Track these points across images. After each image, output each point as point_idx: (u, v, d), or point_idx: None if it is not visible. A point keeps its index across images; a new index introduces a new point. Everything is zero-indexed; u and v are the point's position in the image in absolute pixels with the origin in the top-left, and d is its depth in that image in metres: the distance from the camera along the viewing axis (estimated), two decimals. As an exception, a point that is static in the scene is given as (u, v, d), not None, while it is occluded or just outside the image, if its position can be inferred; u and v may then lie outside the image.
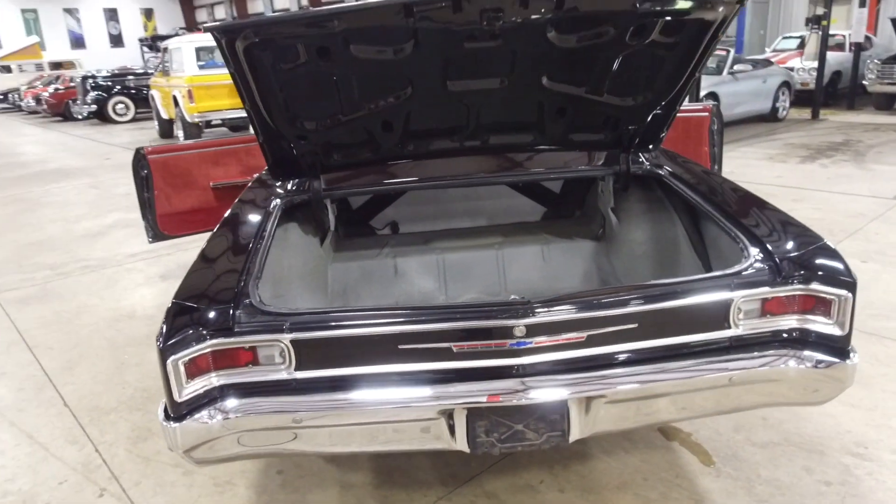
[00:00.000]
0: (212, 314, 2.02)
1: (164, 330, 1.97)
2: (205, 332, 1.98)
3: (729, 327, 2.14)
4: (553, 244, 3.49)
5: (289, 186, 3.02)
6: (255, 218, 2.73)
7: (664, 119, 2.96)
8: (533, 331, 2.01)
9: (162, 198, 4.43)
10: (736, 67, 11.67)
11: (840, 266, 2.13)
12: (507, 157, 3.26)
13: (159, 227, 4.40)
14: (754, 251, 2.23)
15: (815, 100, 13.09)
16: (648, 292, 2.09)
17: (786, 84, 12.73)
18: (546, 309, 2.01)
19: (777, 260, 2.17)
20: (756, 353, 2.14)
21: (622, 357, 2.09)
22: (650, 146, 3.12)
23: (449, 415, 2.05)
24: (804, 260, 2.16)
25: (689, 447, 2.98)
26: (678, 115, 5.51)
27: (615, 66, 2.65)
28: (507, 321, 2.00)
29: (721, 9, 2.38)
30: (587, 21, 2.39)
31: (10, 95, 26.94)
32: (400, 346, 2.02)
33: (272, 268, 2.90)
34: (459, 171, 3.14)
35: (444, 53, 2.45)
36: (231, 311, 2.03)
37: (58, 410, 3.56)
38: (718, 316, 2.13)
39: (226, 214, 2.82)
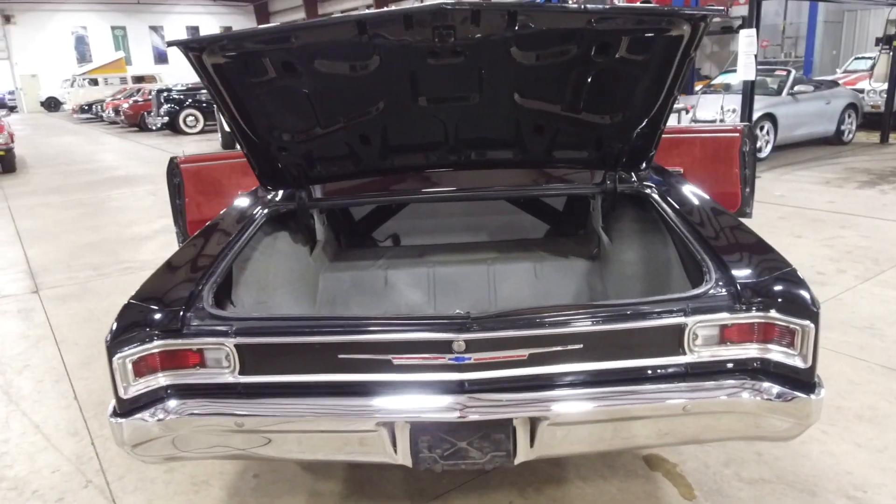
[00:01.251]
0: (161, 315, 2.09)
1: (114, 328, 2.05)
2: (153, 332, 2.05)
3: (684, 353, 2.05)
4: (547, 262, 3.44)
5: (276, 196, 3.10)
6: (233, 226, 2.81)
7: (649, 137, 2.88)
8: (473, 346, 1.99)
9: (192, 205, 4.62)
10: (797, 88, 11.21)
11: (803, 294, 2.02)
12: (497, 173, 3.25)
13: (189, 232, 4.59)
14: (716, 275, 2.14)
15: (885, 123, 12.41)
16: (594, 312, 2.03)
17: (852, 106, 12.12)
18: (486, 325, 1.99)
19: (738, 285, 2.07)
20: (712, 382, 2.05)
21: (567, 378, 2.04)
22: (640, 165, 3.04)
23: (391, 428, 2.05)
24: (766, 287, 2.05)
25: (672, 478, 2.86)
26: (706, 136, 5.43)
27: (587, 83, 2.60)
28: (445, 335, 1.98)
29: (685, 26, 2.31)
30: (547, 38, 2.37)
31: (94, 107, 28.73)
32: (340, 356, 2.03)
33: (257, 275, 2.98)
34: (447, 186, 3.15)
35: (410, 69, 2.47)
36: (181, 314, 2.10)
37: (67, 403, 3.74)
38: (672, 341, 2.05)
39: (209, 222, 2.92)
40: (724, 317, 2.03)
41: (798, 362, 2.00)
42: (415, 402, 2.01)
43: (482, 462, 2.10)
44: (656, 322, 2.02)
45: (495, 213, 3.93)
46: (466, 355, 1.99)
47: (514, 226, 3.95)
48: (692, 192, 2.98)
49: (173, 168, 4.60)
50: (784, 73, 11.47)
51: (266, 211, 2.97)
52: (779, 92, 11.00)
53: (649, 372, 2.06)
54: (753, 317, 2.02)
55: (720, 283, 2.10)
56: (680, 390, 2.03)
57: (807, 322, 1.97)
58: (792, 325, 1.98)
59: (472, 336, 1.98)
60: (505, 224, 3.95)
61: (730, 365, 2.07)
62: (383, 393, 2.03)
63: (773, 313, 1.99)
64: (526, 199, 3.79)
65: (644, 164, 3.04)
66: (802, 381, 2.01)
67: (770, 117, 10.38)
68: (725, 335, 2.06)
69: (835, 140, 11.98)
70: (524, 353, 2.00)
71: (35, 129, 25.67)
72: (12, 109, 34.67)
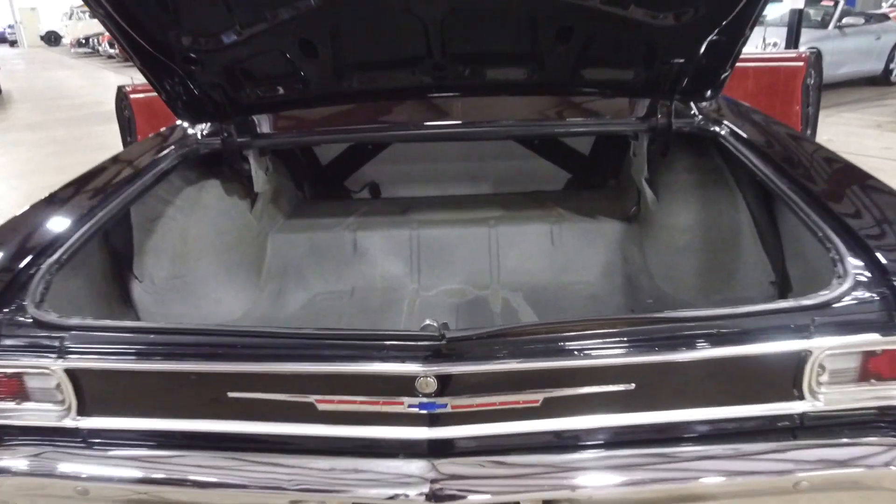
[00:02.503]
0: None
1: None
2: None
3: (799, 397, 1.25)
4: (568, 223, 2.60)
5: (197, 132, 2.26)
6: (125, 172, 1.99)
7: (727, 51, 1.98)
8: (451, 385, 1.19)
9: (145, 141, 3.84)
10: (845, 21, 10.04)
11: None
12: (503, 102, 2.38)
13: None
14: (854, 265, 1.31)
15: (939, 61, 11.19)
16: (654, 330, 1.22)
17: (904, 42, 10.92)
18: (472, 349, 1.18)
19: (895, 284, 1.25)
20: (845, 441, 1.25)
21: (605, 437, 1.24)
22: (706, 92, 2.15)
23: None
24: None
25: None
26: (763, 65, 4.46)
27: None
28: (403, 366, 1.18)
29: None
30: None
31: (91, 40, 27.47)
32: (230, 395, 1.24)
33: (170, 239, 2.18)
34: (434, 120, 2.31)
35: None
36: None
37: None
38: (781, 378, 1.24)
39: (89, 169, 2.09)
40: (873, 339, 1.21)
41: None
42: (353, 471, 1.22)
43: None
44: (759, 348, 1.20)
45: (501, 158, 3.07)
46: (439, 400, 1.19)
47: (526, 174, 3.10)
48: (787, 132, 2.11)
49: (122, 98, 3.76)
50: (831, 3, 10.25)
51: (181, 152, 2.14)
52: (824, 25, 9.87)
53: (738, 426, 1.26)
54: None
55: (863, 280, 1.27)
56: (792, 452, 1.24)
57: None
58: None
59: (448, 368, 1.18)
60: (514, 171, 3.09)
61: (871, 415, 1.27)
62: (302, 454, 1.25)
63: None
64: (542, 138, 2.92)
65: (711, 92, 2.16)
66: None
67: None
68: (870, 368, 1.24)
69: (881, 80, 10.83)
70: (536, 396, 1.20)
71: (29, 64, 24.65)
72: (12, 44, 33.57)
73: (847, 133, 7.59)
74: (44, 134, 10.01)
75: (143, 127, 3.85)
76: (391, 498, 1.18)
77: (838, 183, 1.68)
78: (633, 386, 1.21)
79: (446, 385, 1.18)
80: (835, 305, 1.23)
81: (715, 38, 1.92)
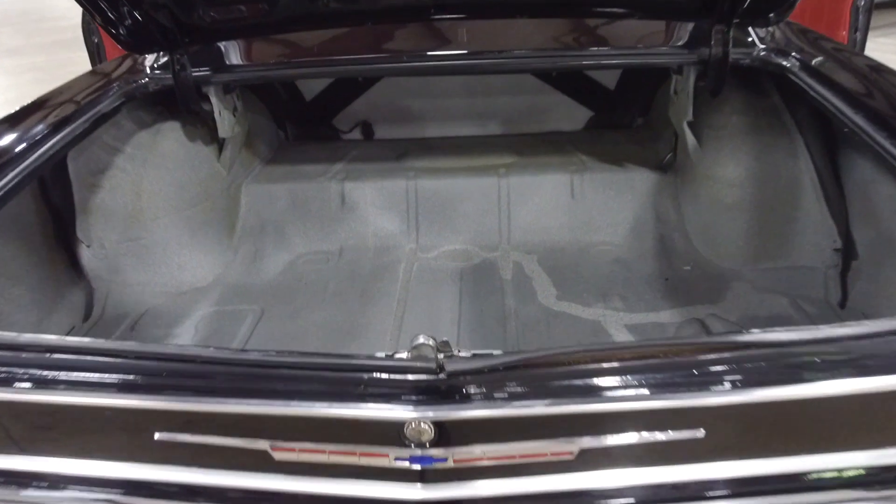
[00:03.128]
0: None
1: None
2: None
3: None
4: (590, 173, 2.22)
5: (147, 66, 1.86)
6: (53, 114, 1.60)
7: None
8: (452, 432, 0.87)
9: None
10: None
11: None
12: (517, 26, 1.97)
13: None
14: None
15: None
16: (737, 359, 0.88)
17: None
18: (483, 385, 0.85)
19: None
20: None
21: (667, 495, 0.93)
22: (771, 14, 1.72)
23: None
24: None
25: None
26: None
27: None
28: (388, 409, 0.86)
29: None
30: None
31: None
32: (157, 436, 0.92)
33: (120, 195, 1.83)
34: (433, 49, 1.91)
35: None
36: None
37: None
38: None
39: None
40: None
41: None
42: None
43: None
44: (862, 383, 0.87)
45: (513, 92, 2.66)
46: (436, 452, 0.87)
47: (541, 111, 2.69)
48: (869, 64, 1.70)
49: (89, 22, 3.32)
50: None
51: (125, 90, 1.75)
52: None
53: (835, 477, 0.94)
54: None
55: None
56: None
57: None
58: None
59: (448, 412, 0.85)
60: (527, 108, 2.68)
61: None
62: None
63: None
64: (565, 72, 2.49)
65: (777, 15, 1.73)
66: None
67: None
68: None
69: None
70: (570, 447, 0.88)
71: (11, -19, 23.45)
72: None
73: (882, 60, 7.01)
74: (24, 60, 9.47)
75: (113, 54, 3.42)
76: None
77: None
78: (701, 433, 0.88)
79: (446, 432, 0.86)
80: None
81: None
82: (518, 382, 0.85)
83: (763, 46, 1.76)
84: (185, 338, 1.76)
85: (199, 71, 1.82)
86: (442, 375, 0.85)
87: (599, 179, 2.22)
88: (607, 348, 0.90)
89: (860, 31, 3.75)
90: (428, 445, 0.86)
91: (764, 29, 1.85)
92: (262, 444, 0.90)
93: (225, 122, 2.02)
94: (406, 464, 0.88)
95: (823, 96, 1.51)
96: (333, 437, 0.89)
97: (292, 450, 0.89)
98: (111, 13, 1.64)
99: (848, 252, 1.76)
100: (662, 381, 0.85)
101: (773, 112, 1.90)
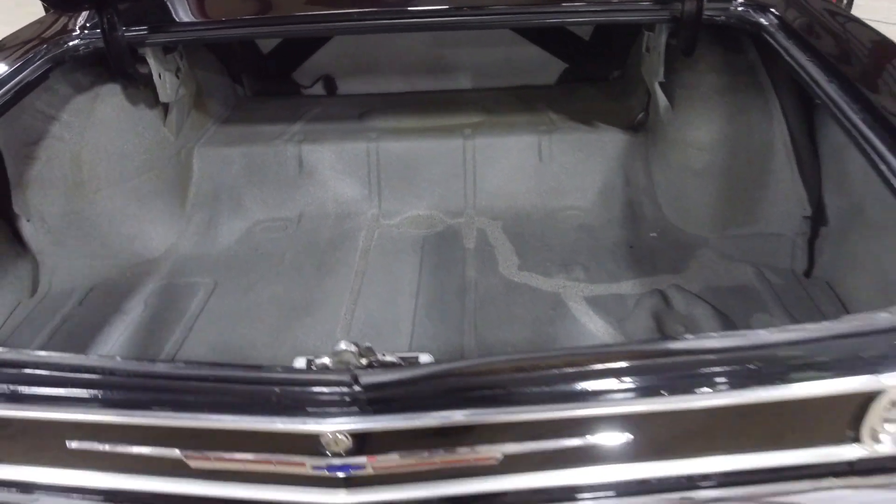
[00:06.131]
0: None
1: None
2: None
3: (854, 440, 0.90)
4: (560, 134, 2.14)
5: (77, 25, 1.75)
6: None
7: None
8: (370, 442, 0.83)
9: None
10: None
11: None
12: None
13: None
14: None
15: None
16: (658, 367, 0.84)
17: None
18: (399, 398, 0.82)
19: None
20: None
21: (590, 494, 0.91)
22: None
23: None
24: None
25: None
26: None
27: None
28: (302, 424, 0.82)
29: None
30: None
31: None
32: (71, 444, 0.89)
33: (59, 166, 1.75)
34: (382, 5, 1.79)
35: None
36: None
37: None
38: (835, 421, 0.89)
39: None
40: None
41: None
42: None
43: None
44: (801, 391, 0.84)
45: (483, 44, 2.54)
46: (354, 461, 0.84)
47: (513, 64, 2.58)
48: (851, 22, 1.61)
49: None
50: None
51: (53, 53, 1.65)
52: None
53: (764, 477, 0.93)
54: None
55: None
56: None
57: None
58: None
59: (364, 424, 0.81)
60: (498, 61, 2.57)
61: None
62: None
63: None
64: (532, 29, 2.38)
65: None
66: None
67: None
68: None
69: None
70: (493, 452, 0.85)
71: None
72: None
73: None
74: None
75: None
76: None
77: None
78: (629, 437, 0.85)
79: (364, 442, 0.82)
80: None
81: None
82: (435, 393, 0.81)
83: (741, 1, 1.66)
84: (134, 314, 1.71)
85: (134, 31, 1.70)
86: (357, 388, 0.81)
87: (569, 140, 2.14)
88: (527, 358, 0.86)
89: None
90: (345, 454, 0.83)
91: None
92: (175, 454, 0.86)
93: (167, 85, 1.91)
94: (324, 472, 0.85)
95: (797, 60, 1.43)
96: (248, 446, 0.85)
97: (206, 458, 0.86)
98: None
99: (817, 219, 1.72)
100: (584, 390, 0.81)
101: (750, 71, 1.81)
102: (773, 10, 1.60)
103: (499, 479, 0.88)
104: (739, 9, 1.64)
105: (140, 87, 1.92)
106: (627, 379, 0.82)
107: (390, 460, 0.84)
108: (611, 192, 2.08)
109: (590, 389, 0.82)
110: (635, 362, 0.83)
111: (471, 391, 0.81)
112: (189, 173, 2.10)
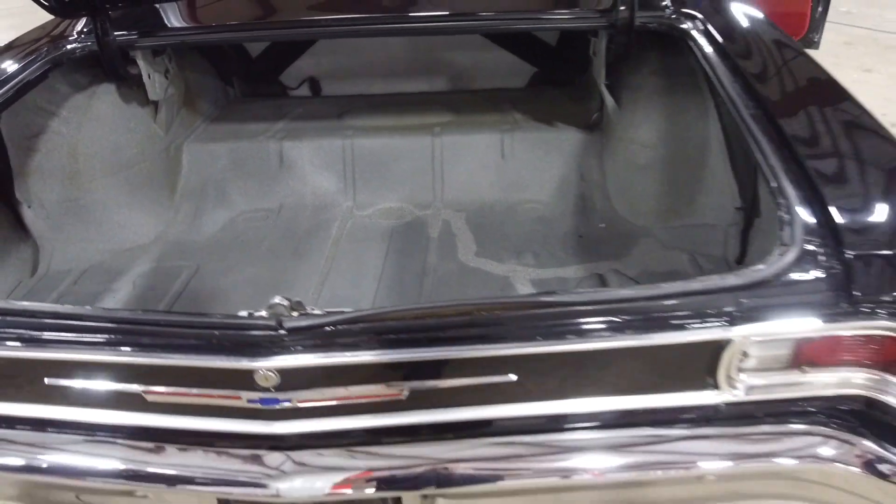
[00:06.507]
0: None
1: None
2: None
3: (714, 387, 1.06)
4: (521, 132, 2.31)
5: (75, 31, 1.93)
6: None
7: None
8: (294, 378, 1.00)
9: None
10: None
11: None
12: None
13: None
14: (804, 232, 1.07)
15: None
16: (534, 317, 1.00)
17: None
18: (317, 339, 0.98)
19: (848, 255, 1.01)
20: (764, 432, 1.08)
21: (481, 428, 1.07)
22: None
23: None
24: None
25: None
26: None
27: None
28: (236, 361, 0.99)
29: None
30: None
31: None
32: (47, 381, 1.06)
33: (57, 158, 1.93)
34: (362, 10, 1.97)
35: None
36: None
37: None
38: (692, 368, 1.05)
39: None
40: (811, 325, 1.00)
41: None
42: (188, 466, 1.07)
43: None
44: (661, 339, 0.99)
45: (457, 49, 2.71)
46: (281, 395, 1.00)
47: (486, 68, 2.75)
48: (774, 35, 1.76)
49: None
50: None
51: (52, 55, 1.83)
52: None
53: (642, 418, 1.08)
54: (873, 326, 0.99)
55: (812, 249, 1.03)
56: (694, 447, 1.07)
57: None
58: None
59: (287, 361, 0.98)
60: (472, 65, 2.74)
61: (804, 403, 1.09)
62: (133, 442, 1.08)
63: None
64: (482, 33, 2.54)
65: None
66: None
67: None
68: (805, 355, 1.04)
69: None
70: (399, 389, 1.01)
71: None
72: None
73: (868, 3, 6.91)
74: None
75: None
76: (233, 484, 1.03)
77: (820, 117, 1.38)
78: (513, 378, 1.01)
79: (289, 378, 0.99)
80: (768, 286, 1.00)
81: None
82: (346, 336, 0.98)
83: (672, 10, 1.82)
84: (122, 293, 1.89)
85: (125, 35, 1.88)
86: (281, 331, 0.97)
87: (530, 139, 2.30)
88: (424, 307, 1.02)
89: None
90: (273, 389, 0.99)
91: None
92: (135, 388, 1.03)
93: (155, 84, 2.09)
94: (257, 405, 1.01)
95: (710, 63, 1.59)
96: (196, 382, 1.02)
97: (161, 393, 1.03)
98: None
99: (752, 211, 1.86)
100: (473, 336, 0.98)
101: (689, 73, 1.96)
102: (699, 18, 1.76)
103: (408, 414, 1.04)
104: (671, 17, 1.80)
105: (133, 87, 2.11)
106: (510, 325, 0.98)
107: (312, 395, 1.01)
108: (566, 187, 2.24)
109: (478, 334, 0.98)
110: (516, 312, 0.99)
111: (376, 335, 0.98)
112: (179, 167, 2.28)
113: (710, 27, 1.70)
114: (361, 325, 0.98)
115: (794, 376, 1.05)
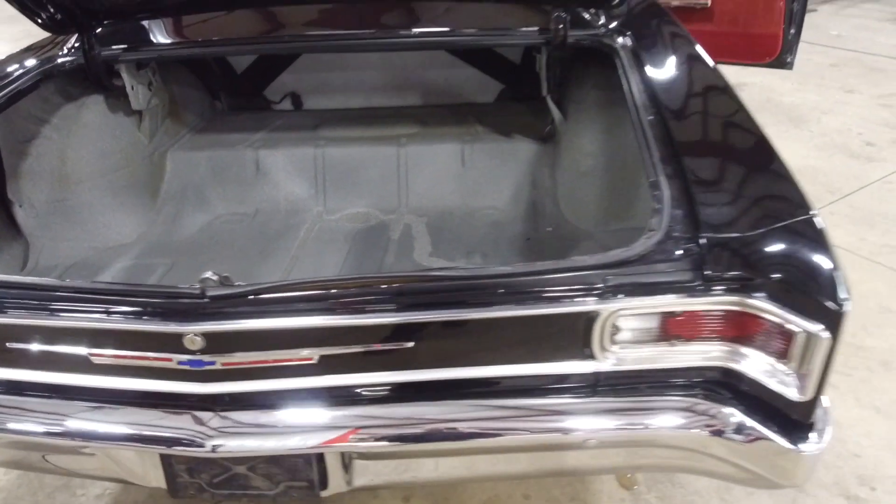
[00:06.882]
0: None
1: None
2: None
3: (590, 356, 1.19)
4: (481, 143, 2.47)
5: (66, 45, 2.13)
6: None
7: None
8: (218, 342, 1.15)
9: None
10: None
11: (823, 273, 1.09)
12: (400, 11, 2.20)
13: None
14: (671, 215, 1.21)
15: None
16: (427, 289, 1.15)
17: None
18: (236, 307, 1.14)
19: (705, 240, 1.15)
20: (639, 401, 1.21)
21: (385, 393, 1.22)
22: (605, 2, 1.94)
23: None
24: (755, 248, 1.13)
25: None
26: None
27: None
28: (166, 325, 1.14)
29: None
30: None
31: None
32: (7, 345, 1.22)
33: (48, 161, 2.12)
34: (325, 27, 2.15)
35: None
36: None
37: None
38: (570, 338, 1.18)
39: None
40: (668, 300, 1.14)
41: (788, 388, 1.13)
42: (128, 423, 1.22)
43: (273, 494, 1.35)
44: (536, 310, 1.14)
45: (429, 67, 2.88)
46: (206, 357, 1.16)
47: (457, 84, 2.92)
48: (689, 51, 1.91)
49: None
50: None
51: (44, 68, 2.02)
52: None
53: (530, 384, 1.22)
54: (722, 301, 1.12)
55: (674, 234, 1.18)
56: (575, 411, 1.21)
57: (818, 326, 1.06)
58: (789, 327, 1.08)
59: (211, 326, 1.13)
60: (443, 82, 2.91)
61: (673, 374, 1.22)
62: (84, 402, 1.24)
63: (758, 301, 1.09)
64: (432, 48, 2.71)
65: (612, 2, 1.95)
66: (789, 417, 1.15)
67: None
68: (671, 329, 1.17)
69: (918, -36, 9.91)
70: (310, 353, 1.16)
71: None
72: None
73: (861, 27, 7.04)
74: (23, 27, 9.68)
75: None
76: (168, 443, 1.18)
77: (706, 123, 1.53)
78: (411, 344, 1.16)
79: (214, 342, 1.14)
80: (632, 265, 1.14)
81: None
82: (262, 304, 1.13)
83: (604, 29, 1.98)
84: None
85: (110, 50, 2.07)
86: (205, 300, 1.13)
87: (488, 149, 2.46)
88: (330, 280, 1.17)
89: (798, 1, 3.88)
90: (199, 353, 1.15)
91: (613, 10, 2.04)
92: (82, 351, 1.19)
93: (139, 95, 2.28)
94: (187, 367, 1.17)
95: (628, 77, 1.74)
96: (134, 346, 1.18)
97: (105, 356, 1.19)
98: None
99: None
100: (372, 305, 1.12)
101: (621, 86, 2.12)
102: (628, 35, 1.91)
103: (319, 378, 1.19)
104: (604, 35, 1.95)
105: (119, 98, 2.29)
106: (405, 297, 1.13)
107: (235, 358, 1.16)
108: (520, 193, 2.39)
109: (375, 304, 1.12)
110: (410, 284, 1.14)
111: (285, 304, 1.13)
112: (162, 172, 2.46)
113: (635, 43, 1.86)
114: (274, 295, 1.13)
115: (662, 349, 1.18)
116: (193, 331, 1.12)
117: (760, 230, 1.14)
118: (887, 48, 6.24)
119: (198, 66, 2.76)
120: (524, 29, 2.05)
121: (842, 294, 1.05)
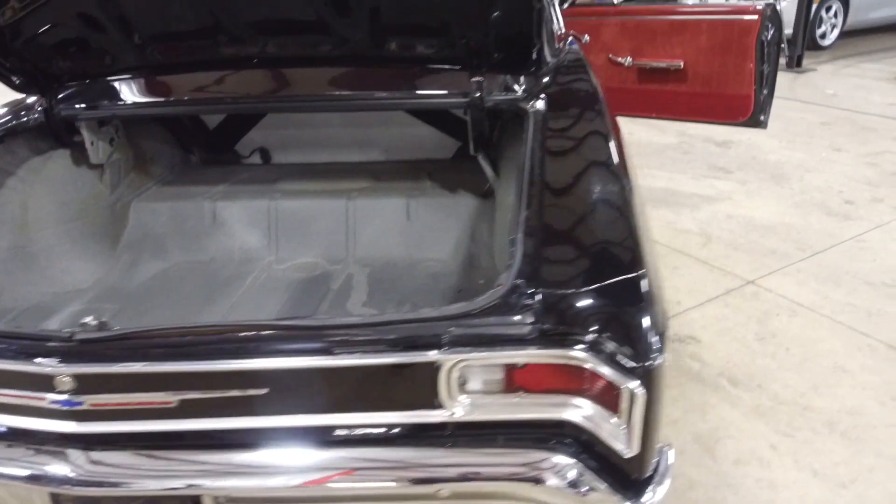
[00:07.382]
0: None
1: None
2: None
3: (439, 406, 1.24)
4: (426, 198, 2.56)
5: (35, 103, 2.30)
6: None
7: (522, 19, 1.89)
8: (86, 384, 1.23)
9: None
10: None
11: (637, 327, 1.13)
12: (346, 74, 2.34)
13: None
14: (519, 271, 1.28)
15: None
16: (282, 338, 1.22)
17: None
18: (102, 351, 1.22)
19: (542, 296, 1.20)
20: (491, 452, 1.25)
21: (244, 438, 1.28)
22: (522, 65, 2.05)
23: None
24: (580, 304, 1.18)
25: None
26: (716, 18, 4.22)
27: None
28: (36, 366, 1.22)
29: None
30: None
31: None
32: None
33: (8, 211, 2.26)
34: (266, 88, 2.30)
35: None
36: None
37: None
38: (420, 387, 1.23)
39: None
40: (503, 354, 1.19)
41: (619, 443, 1.16)
42: (9, 456, 1.30)
43: None
44: (385, 359, 1.19)
45: (388, 125, 3.01)
46: (76, 398, 1.23)
47: (416, 142, 3.04)
48: (593, 117, 1.98)
49: None
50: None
51: (10, 125, 2.19)
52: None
53: (387, 433, 1.27)
54: (551, 355, 1.17)
55: (516, 289, 1.23)
56: (427, 461, 1.25)
57: (634, 382, 1.10)
58: (613, 381, 1.12)
59: (78, 368, 1.21)
60: (402, 139, 3.04)
61: (526, 425, 1.26)
62: None
63: (580, 354, 1.14)
64: (362, 110, 2.83)
65: (529, 65, 2.06)
66: (624, 472, 1.18)
67: (842, -3, 8.63)
68: (516, 380, 1.22)
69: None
70: (170, 397, 1.23)
71: None
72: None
73: (857, 87, 7.10)
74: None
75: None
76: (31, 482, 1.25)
77: (576, 186, 1.60)
78: (266, 390, 1.22)
79: (83, 383, 1.22)
80: (474, 317, 1.20)
81: (498, 14, 1.83)
82: (125, 349, 1.21)
83: (520, 94, 2.08)
84: (49, 328, 2.16)
85: (71, 108, 2.24)
86: (73, 343, 1.21)
87: (432, 204, 2.56)
88: (188, 327, 1.25)
89: (768, 63, 3.97)
90: (69, 393, 1.23)
91: (529, 74, 2.14)
92: (-30, 390, 1.28)
93: (98, 150, 2.44)
94: (58, 406, 1.24)
95: (528, 138, 1.82)
96: (14, 385, 1.26)
97: (-10, 394, 1.27)
98: None
99: None
100: (226, 353, 1.20)
101: None
102: (540, 101, 2.00)
103: (178, 422, 1.25)
104: (520, 99, 2.06)
105: (84, 152, 2.45)
106: (255, 344, 1.20)
107: (100, 399, 1.23)
108: (460, 247, 2.46)
109: (225, 351, 1.20)
110: (258, 332, 1.21)
111: (148, 349, 1.21)
112: (125, 221, 2.60)
113: (546, 107, 1.95)
114: (136, 341, 1.21)
115: (509, 400, 1.23)
116: (61, 372, 1.21)
117: (589, 287, 1.19)
118: (881, 107, 6.28)
119: (170, 122, 2.93)
120: (447, 92, 2.17)
121: (653, 352, 1.09)
